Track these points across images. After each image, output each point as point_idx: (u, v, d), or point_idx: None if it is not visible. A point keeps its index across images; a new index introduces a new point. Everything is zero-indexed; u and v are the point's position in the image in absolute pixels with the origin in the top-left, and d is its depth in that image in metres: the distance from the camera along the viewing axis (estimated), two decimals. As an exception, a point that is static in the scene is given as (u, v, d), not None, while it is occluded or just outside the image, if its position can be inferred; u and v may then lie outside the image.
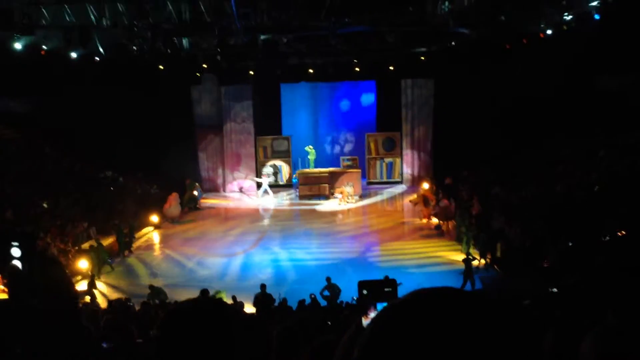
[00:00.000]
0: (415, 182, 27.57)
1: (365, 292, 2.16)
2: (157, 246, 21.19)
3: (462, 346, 0.88)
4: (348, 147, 30.61)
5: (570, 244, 14.98)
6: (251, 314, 12.62)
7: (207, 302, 1.80)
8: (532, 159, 21.78)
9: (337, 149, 30.73)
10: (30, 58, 19.99)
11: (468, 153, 23.48)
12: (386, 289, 2.10)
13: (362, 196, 26.77)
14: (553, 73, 20.50)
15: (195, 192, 25.93)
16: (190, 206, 25.51)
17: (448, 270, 16.89)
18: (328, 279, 14.43)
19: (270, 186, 27.98)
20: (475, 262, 16.04)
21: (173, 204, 23.95)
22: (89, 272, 16.67)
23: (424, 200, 22.58)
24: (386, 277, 13.74)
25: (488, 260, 16.83)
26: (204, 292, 13.39)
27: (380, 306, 2.13)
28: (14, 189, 19.91)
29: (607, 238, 14.74)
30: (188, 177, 26.29)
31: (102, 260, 17.82)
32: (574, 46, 19.61)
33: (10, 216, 17.85)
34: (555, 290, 12.50)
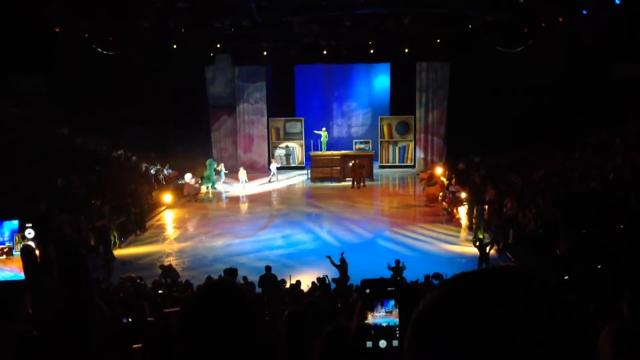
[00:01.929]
0: (428, 167, 27.41)
1: (368, 290, 2.16)
2: (169, 225, 21.32)
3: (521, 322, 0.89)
4: (361, 130, 30.48)
5: (584, 232, 14.85)
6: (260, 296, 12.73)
7: (228, 285, 1.86)
8: (547, 146, 21.55)
9: (350, 131, 30.61)
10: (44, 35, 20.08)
11: (483, 138, 23.27)
12: (389, 288, 2.10)
13: (374, 179, 26.73)
14: (571, 59, 20.18)
15: (220, 170, 25.80)
16: (208, 185, 25.54)
17: (459, 255, 16.90)
18: (342, 256, 14.37)
19: (283, 168, 28.00)
20: (488, 248, 15.92)
21: (191, 183, 24.04)
22: (103, 250, 16.85)
23: (429, 179, 22.45)
24: (397, 262, 13.80)
25: (500, 246, 16.73)
26: (232, 271, 13.41)
27: (386, 303, 2.16)
28: (27, 167, 20.05)
29: (621, 226, 14.59)
30: (207, 157, 26.39)
31: (115, 239, 17.98)
32: (593, 32, 19.26)
33: (24, 194, 17.98)
34: (567, 278, 12.49)
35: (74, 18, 20.43)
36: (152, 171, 24.89)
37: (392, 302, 2.20)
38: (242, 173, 25.51)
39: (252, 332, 1.65)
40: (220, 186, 25.68)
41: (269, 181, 26.75)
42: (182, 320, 1.65)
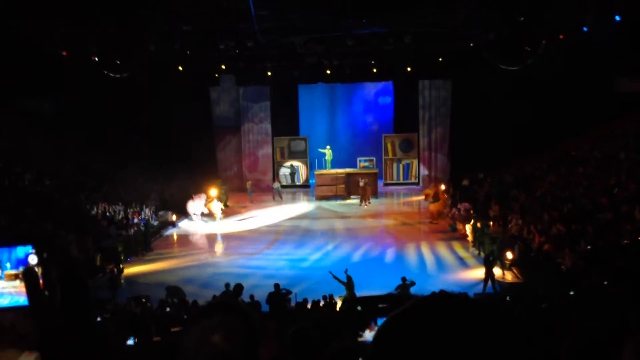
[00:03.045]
0: (432, 183, 27.44)
1: (359, 308, 2.23)
2: (174, 245, 21.35)
3: (456, 352, 0.96)
4: (365, 148, 30.58)
5: (589, 247, 14.79)
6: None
7: (230, 302, 1.87)
8: (552, 161, 21.56)
9: (354, 149, 30.70)
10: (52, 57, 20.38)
11: (486, 155, 23.33)
12: (380, 305, 2.17)
13: (379, 197, 26.78)
14: (573, 74, 20.27)
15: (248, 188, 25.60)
16: (224, 204, 25.55)
17: (464, 272, 16.89)
18: (347, 274, 14.35)
19: (287, 186, 28.12)
20: (497, 273, 15.83)
21: (197, 201, 23.96)
22: (110, 270, 16.85)
23: (434, 195, 22.47)
24: (403, 279, 13.77)
25: (506, 263, 16.69)
26: (238, 288, 13.34)
27: (380, 321, 2.21)
28: (35, 186, 20.18)
29: (626, 242, 14.53)
30: (213, 177, 26.45)
31: (122, 258, 18.00)
32: (594, 47, 19.37)
33: (31, 214, 18.04)
34: (572, 293, 12.40)
35: (81, 41, 20.71)
36: (158, 191, 24.72)
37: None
38: (217, 206, 23.51)
39: (254, 350, 1.64)
40: (195, 223, 23.85)
41: (273, 199, 26.85)
42: (185, 338, 1.66)
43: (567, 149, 21.60)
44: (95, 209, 20.43)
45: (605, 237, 14.91)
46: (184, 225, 23.54)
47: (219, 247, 20.42)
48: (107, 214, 20.45)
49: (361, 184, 25.52)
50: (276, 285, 13.78)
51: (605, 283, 12.49)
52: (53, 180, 21.02)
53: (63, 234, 17.08)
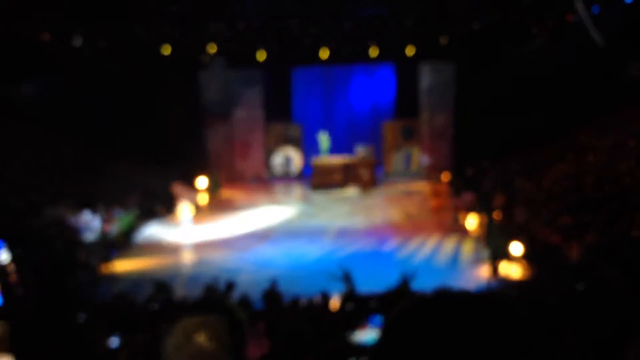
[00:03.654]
0: (434, 173, 26.56)
1: (348, 307, 1.92)
2: (161, 239, 20.45)
3: (463, 348, 0.93)
4: (363, 135, 29.67)
5: (598, 239, 14.21)
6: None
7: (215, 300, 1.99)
8: (559, 149, 20.92)
9: (352, 136, 29.76)
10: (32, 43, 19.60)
11: (491, 142, 22.61)
12: (372, 303, 1.82)
13: (378, 187, 26.08)
14: (582, 58, 19.61)
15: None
16: (215, 195, 24.97)
17: (469, 267, 16.48)
18: (346, 273, 13.74)
19: (281, 176, 27.42)
20: (503, 267, 15.30)
21: (183, 194, 23.22)
22: (92, 265, 16.33)
23: (435, 191, 22.12)
24: (403, 275, 13.07)
25: (512, 256, 16.11)
26: (229, 285, 12.81)
27: (372, 320, 1.95)
28: (18, 178, 19.46)
29: (637, 233, 13.98)
30: (202, 165, 25.66)
31: (107, 252, 17.37)
32: (605, 30, 18.62)
33: (13, 206, 17.36)
34: (580, 287, 11.85)
35: (64, 24, 19.91)
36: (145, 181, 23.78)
37: (379, 317, 1.97)
38: (186, 209, 20.93)
39: (240, 349, 1.65)
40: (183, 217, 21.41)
41: (264, 188, 26.13)
42: (169, 336, 1.68)
43: (576, 137, 20.99)
44: (77, 202, 19.66)
45: (615, 228, 14.36)
46: (171, 218, 22.61)
47: (208, 242, 19.62)
48: (90, 207, 19.69)
49: (365, 178, 24.92)
50: (272, 283, 13.32)
51: (614, 276, 12.01)
52: (35, 172, 20.29)
53: (44, 228, 16.43)
